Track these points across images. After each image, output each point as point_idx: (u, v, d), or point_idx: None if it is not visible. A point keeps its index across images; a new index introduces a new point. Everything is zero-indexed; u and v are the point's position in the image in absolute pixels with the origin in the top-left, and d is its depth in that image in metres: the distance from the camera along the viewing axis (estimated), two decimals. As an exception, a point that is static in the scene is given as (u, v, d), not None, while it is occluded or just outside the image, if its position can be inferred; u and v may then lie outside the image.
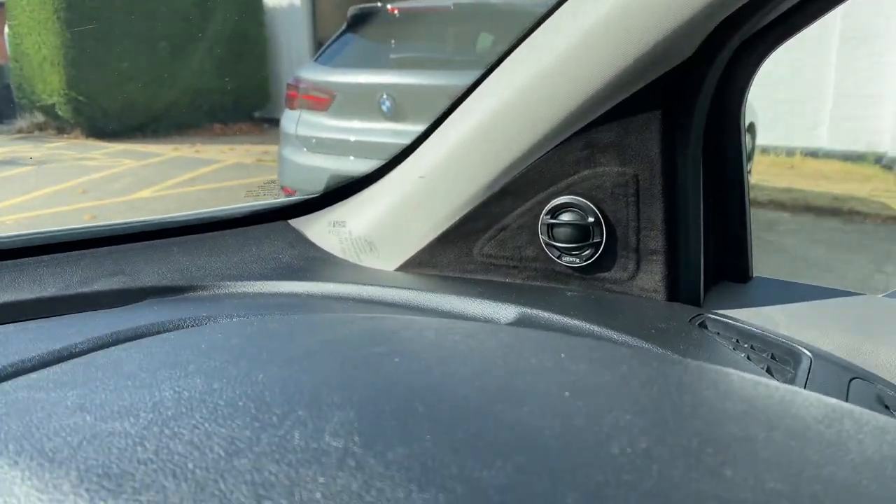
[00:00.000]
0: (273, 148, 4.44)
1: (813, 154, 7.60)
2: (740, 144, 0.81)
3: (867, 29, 7.28)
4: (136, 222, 0.90)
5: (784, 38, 0.73)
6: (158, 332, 0.60)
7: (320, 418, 0.31)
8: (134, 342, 0.49)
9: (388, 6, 4.16)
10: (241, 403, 0.33)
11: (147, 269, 0.82)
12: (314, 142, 3.98)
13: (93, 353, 0.48)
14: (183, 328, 0.62)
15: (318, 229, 0.94)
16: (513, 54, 0.78)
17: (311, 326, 0.47)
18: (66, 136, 7.74)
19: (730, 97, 0.78)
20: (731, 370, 0.38)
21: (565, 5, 0.73)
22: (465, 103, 0.82)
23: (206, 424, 0.32)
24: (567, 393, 0.33)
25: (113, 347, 0.49)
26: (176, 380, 0.37)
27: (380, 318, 0.48)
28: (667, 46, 0.67)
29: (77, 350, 0.54)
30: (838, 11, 0.73)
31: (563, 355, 0.38)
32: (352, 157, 3.87)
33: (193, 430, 0.31)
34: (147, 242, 0.88)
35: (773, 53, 0.76)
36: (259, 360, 0.39)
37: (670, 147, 0.73)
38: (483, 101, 0.79)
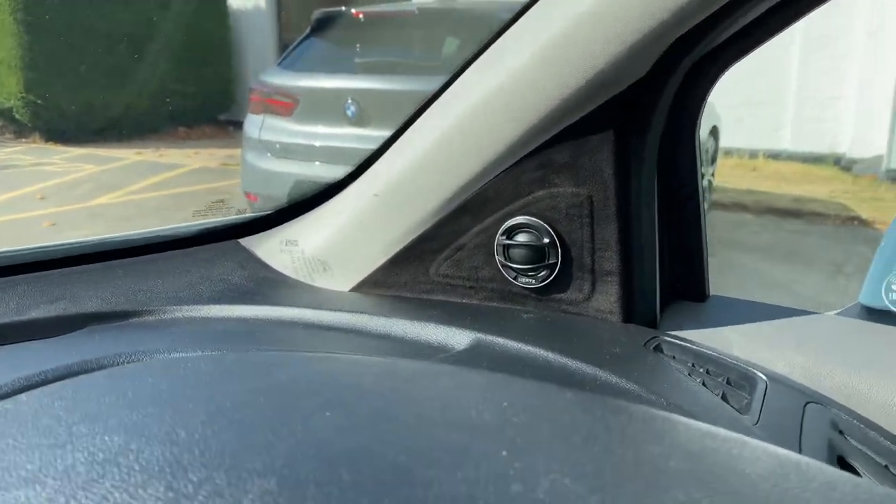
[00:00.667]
0: (239, 151, 4.39)
1: (775, 156, 7.73)
2: (695, 162, 0.80)
3: (828, 32, 7.43)
4: (78, 243, 0.87)
5: (738, 57, 0.73)
6: (90, 370, 0.57)
7: (239, 487, 0.29)
8: (60, 384, 0.47)
9: (353, 10, 4.13)
10: (157, 468, 0.31)
11: (89, 293, 0.78)
12: (278, 147, 3.93)
13: (14, 398, 0.45)
14: (118, 364, 0.59)
15: (270, 248, 0.91)
16: (466, 72, 0.76)
17: (245, 369, 0.44)
18: (24, 140, 7.55)
19: (684, 115, 0.78)
20: (678, 417, 0.36)
21: (519, 23, 0.71)
22: (419, 120, 0.81)
23: (117, 494, 0.29)
24: (505, 452, 0.31)
25: (37, 390, 0.46)
26: (93, 437, 0.35)
27: (319, 359, 0.46)
28: (620, 67, 0.65)
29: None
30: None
31: (505, 404, 0.37)
32: (317, 163, 3.83)
33: (102, 502, 0.29)
34: (90, 265, 0.85)
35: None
36: (184, 412, 0.37)
37: (624, 167, 0.72)
38: (438, 119, 0.78)
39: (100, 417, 0.38)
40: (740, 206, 5.73)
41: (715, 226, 5.08)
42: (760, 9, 0.68)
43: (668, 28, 0.63)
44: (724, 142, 6.97)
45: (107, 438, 0.35)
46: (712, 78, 0.75)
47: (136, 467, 0.31)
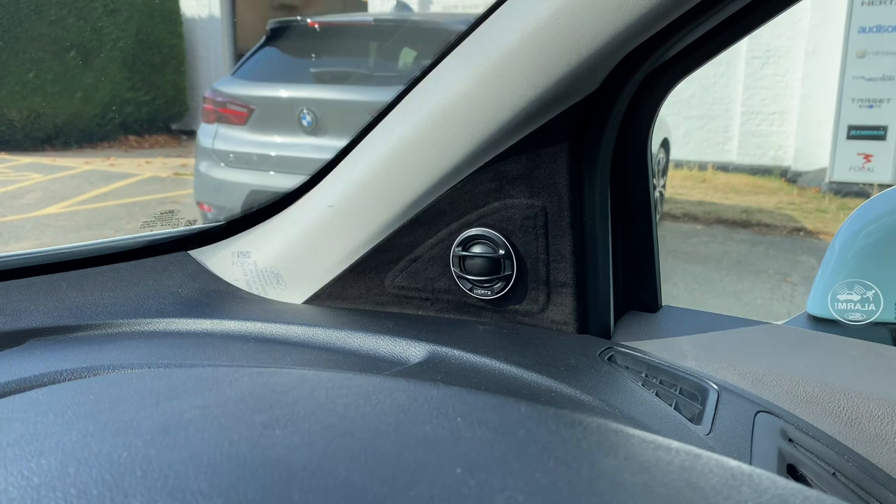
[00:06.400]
0: (192, 161, 4.32)
1: (723, 168, 7.94)
2: (647, 174, 0.81)
3: (772, 49, 7.69)
4: (20, 255, 0.84)
5: (687, 72, 0.74)
6: (28, 388, 0.55)
7: None
8: None
9: (308, 20, 4.11)
10: (95, 492, 0.30)
11: (31, 307, 0.75)
12: (232, 156, 3.88)
13: None
14: (59, 382, 0.57)
15: (221, 260, 0.89)
16: (421, 83, 0.76)
17: (193, 385, 0.43)
18: (-35, 148, 7.30)
19: (636, 128, 0.79)
20: (631, 430, 0.36)
21: (473, 36, 0.71)
22: (374, 131, 0.80)
23: None
24: (459, 469, 0.31)
25: None
26: (28, 460, 0.33)
27: (269, 374, 0.45)
28: (573, 80, 0.66)
29: None
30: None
31: (459, 420, 0.36)
32: (271, 172, 3.79)
33: None
34: (32, 278, 0.82)
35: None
36: (127, 432, 0.36)
37: (578, 179, 0.72)
38: (392, 131, 0.77)
39: (36, 438, 0.36)
40: (691, 217, 5.85)
41: (666, 236, 5.18)
42: (707, 27, 0.69)
43: (619, 44, 0.64)
44: (675, 154, 7.13)
45: (42, 461, 0.33)
46: (663, 91, 0.76)
47: (73, 492, 0.30)
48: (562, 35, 0.64)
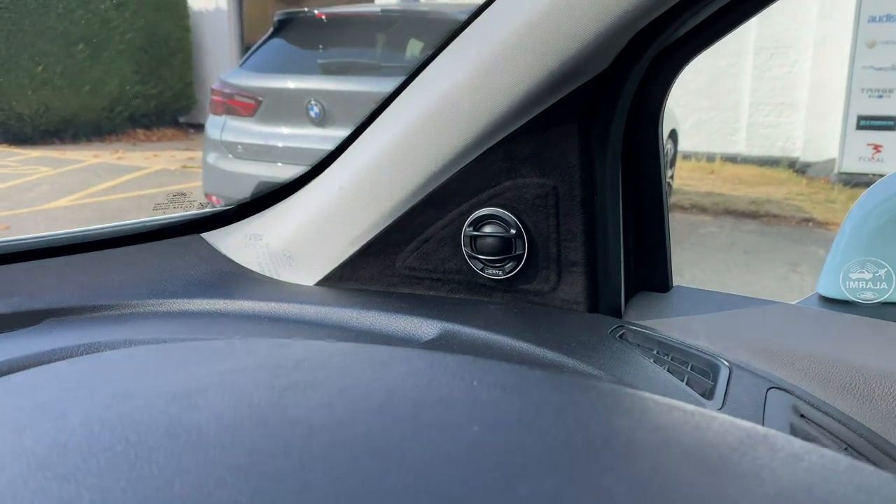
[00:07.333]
0: (200, 154, 4.33)
1: (732, 159, 7.90)
2: (658, 155, 0.81)
3: (780, 39, 7.64)
4: (36, 238, 0.84)
5: (698, 51, 0.74)
6: (48, 362, 0.55)
7: (206, 463, 0.29)
8: (15, 375, 0.45)
9: (315, 11, 4.11)
10: (120, 448, 0.30)
11: (47, 288, 0.76)
12: (240, 148, 3.90)
13: None
14: (77, 356, 0.58)
15: (234, 243, 0.90)
16: (431, 65, 0.76)
17: (211, 354, 0.44)
18: (-26, 142, 7.34)
19: (647, 107, 0.79)
20: (646, 393, 0.37)
21: (482, 16, 0.72)
22: (384, 113, 0.80)
23: (79, 475, 0.29)
24: (476, 427, 0.31)
25: None
26: (52, 421, 0.34)
27: (286, 344, 0.45)
28: (583, 59, 0.66)
29: None
30: (753, 22, 0.75)
31: (475, 383, 0.37)
32: (279, 164, 3.80)
33: (63, 483, 0.28)
34: (48, 260, 0.82)
35: (692, 63, 0.77)
36: (148, 395, 0.36)
37: (589, 158, 0.72)
38: (402, 112, 0.77)
39: (58, 403, 0.37)
40: (699, 208, 5.83)
41: (675, 227, 5.15)
42: (718, 4, 0.69)
43: (630, 21, 0.64)
44: (683, 146, 7.10)
45: (66, 422, 0.34)
46: (674, 70, 0.76)
47: (99, 447, 0.31)
48: (571, 13, 0.64)
